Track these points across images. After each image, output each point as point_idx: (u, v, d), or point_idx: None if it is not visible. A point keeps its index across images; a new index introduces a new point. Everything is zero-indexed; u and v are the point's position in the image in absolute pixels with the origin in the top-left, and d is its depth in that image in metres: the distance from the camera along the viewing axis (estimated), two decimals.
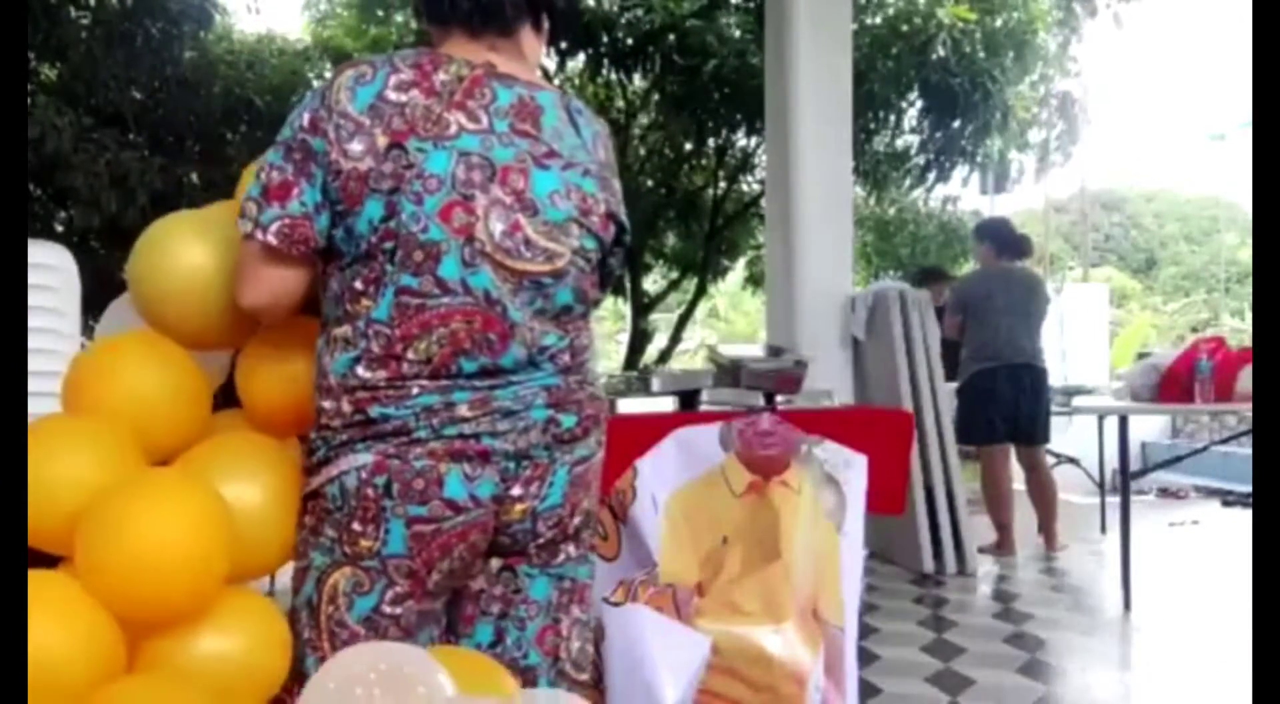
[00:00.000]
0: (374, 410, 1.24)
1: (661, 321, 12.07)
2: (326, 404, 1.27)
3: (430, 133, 1.24)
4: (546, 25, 1.42)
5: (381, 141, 1.23)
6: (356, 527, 1.25)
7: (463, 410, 1.25)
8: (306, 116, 1.26)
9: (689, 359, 13.23)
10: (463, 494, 1.26)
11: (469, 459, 1.25)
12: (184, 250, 1.38)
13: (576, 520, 1.39)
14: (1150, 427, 7.70)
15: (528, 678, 1.38)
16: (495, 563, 1.36)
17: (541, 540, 1.35)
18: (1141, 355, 7.70)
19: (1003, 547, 4.88)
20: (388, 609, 1.27)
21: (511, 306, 1.27)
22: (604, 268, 1.44)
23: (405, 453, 1.24)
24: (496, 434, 1.27)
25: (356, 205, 1.23)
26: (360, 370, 1.25)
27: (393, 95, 1.25)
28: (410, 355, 1.24)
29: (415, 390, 1.24)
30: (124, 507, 1.20)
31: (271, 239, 1.23)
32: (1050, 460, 5.61)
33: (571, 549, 1.40)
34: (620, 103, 8.23)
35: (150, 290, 1.40)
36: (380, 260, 1.24)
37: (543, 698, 1.20)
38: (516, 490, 1.30)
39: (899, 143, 8.10)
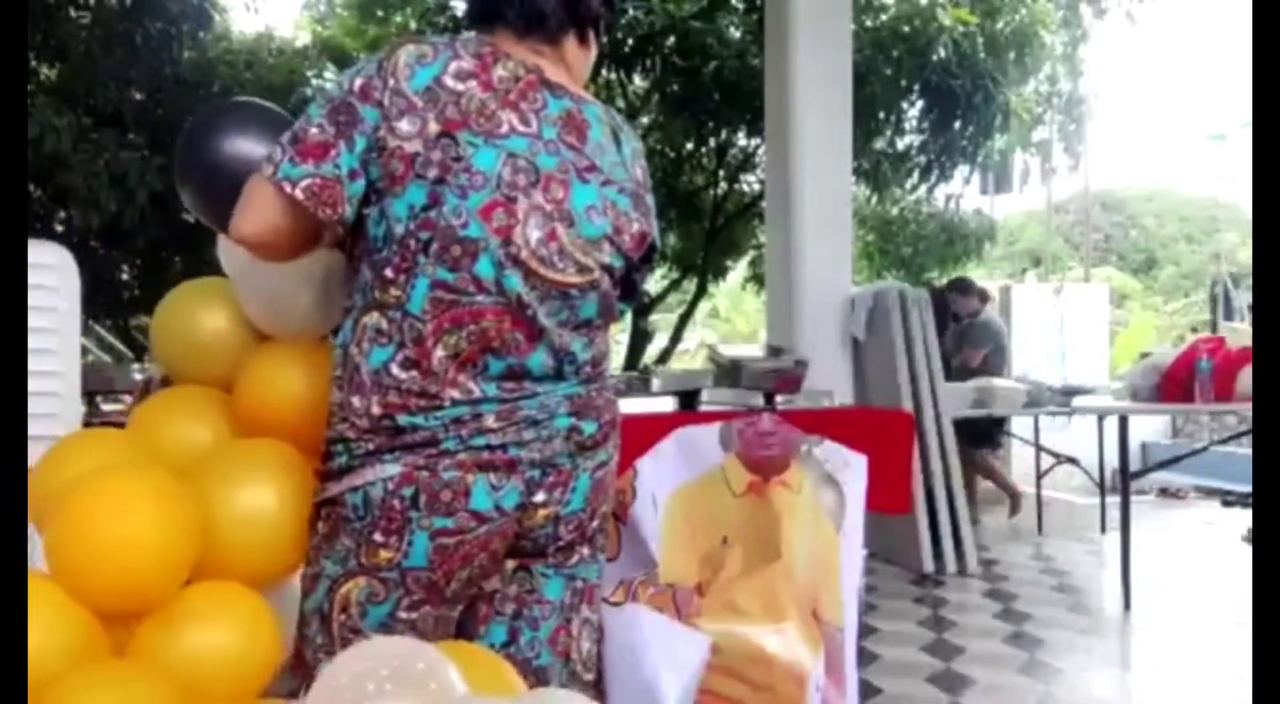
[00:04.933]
0: (403, 419, 1.22)
1: (661, 321, 12.06)
2: (355, 400, 1.24)
3: (483, 128, 1.24)
4: (592, 40, 1.43)
5: (433, 128, 1.22)
6: (378, 538, 1.23)
7: (490, 421, 1.25)
8: (359, 81, 1.24)
9: (689, 359, 13.22)
10: (488, 505, 1.25)
11: (495, 469, 1.25)
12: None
13: (595, 523, 1.39)
14: (1150, 427, 7.71)
15: (540, 678, 1.37)
16: (510, 563, 1.35)
17: (561, 543, 1.36)
18: (1144, 355, 7.71)
19: None
20: (404, 615, 1.26)
21: (540, 313, 1.27)
22: (628, 282, 1.44)
23: (434, 464, 1.22)
24: (522, 444, 1.26)
25: (397, 187, 1.22)
26: (395, 369, 1.23)
27: (450, 82, 1.24)
28: (440, 351, 1.23)
29: (447, 403, 1.23)
30: (87, 499, 1.21)
31: (299, 195, 1.20)
32: (1049, 460, 5.62)
33: (585, 550, 1.40)
34: (621, 103, 8.23)
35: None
36: (414, 249, 1.22)
37: (552, 697, 1.19)
38: (540, 497, 1.30)
39: (900, 143, 8.10)
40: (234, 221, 1.27)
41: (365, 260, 1.27)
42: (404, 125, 1.21)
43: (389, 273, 1.24)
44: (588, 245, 1.31)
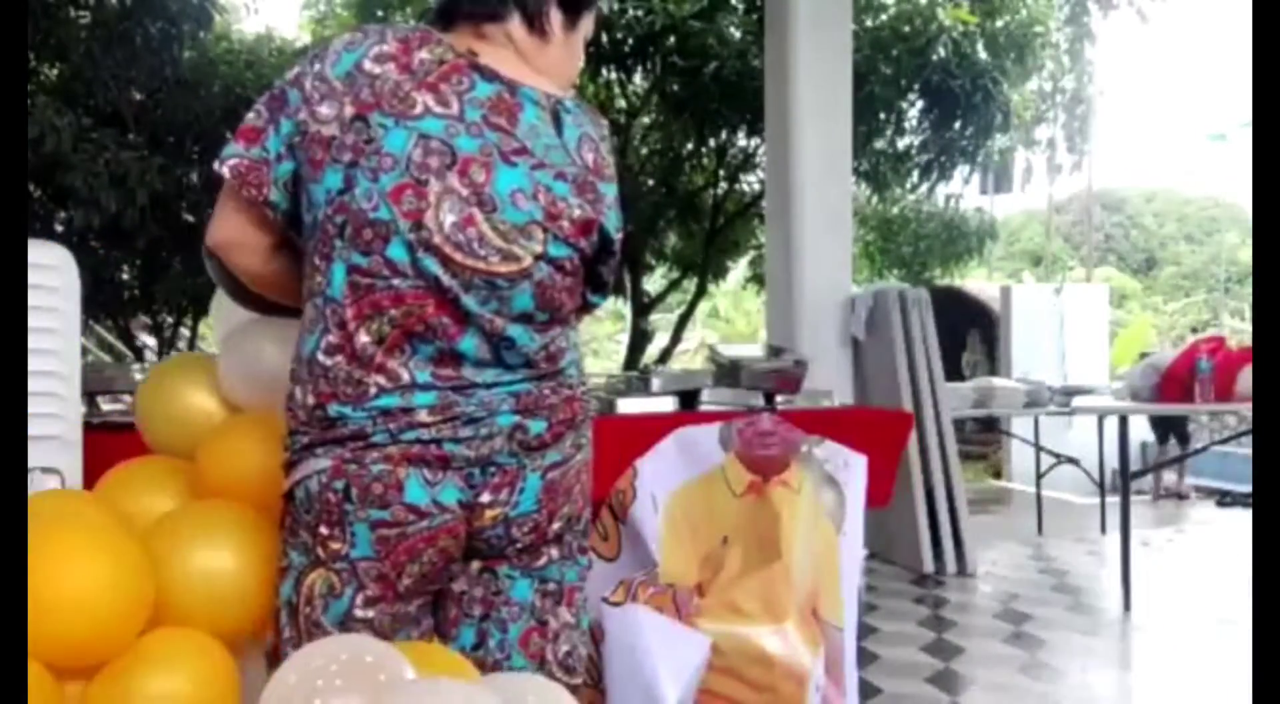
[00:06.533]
0: (332, 408, 1.22)
1: (661, 321, 12.06)
2: (296, 391, 1.26)
3: (394, 109, 1.22)
4: (550, 30, 1.36)
5: (348, 111, 1.22)
6: (324, 530, 1.24)
7: (422, 415, 1.23)
8: (295, 70, 1.27)
9: (689, 359, 13.21)
10: (424, 499, 1.24)
11: (428, 464, 1.23)
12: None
13: (556, 525, 1.35)
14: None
15: None
16: (476, 565, 1.34)
17: (519, 545, 1.33)
18: (1143, 355, 7.70)
19: None
20: (359, 613, 1.25)
21: (465, 299, 1.24)
22: (594, 275, 1.41)
23: (361, 457, 1.22)
24: (458, 440, 1.24)
25: (317, 172, 1.23)
26: (321, 357, 1.24)
27: (369, 65, 1.24)
28: (363, 336, 1.22)
29: (373, 390, 1.22)
30: (34, 550, 1.20)
31: (225, 172, 1.24)
32: (1049, 460, 5.62)
33: (554, 552, 1.37)
34: (620, 103, 8.23)
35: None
36: (330, 234, 1.23)
37: (509, 680, 1.19)
38: (486, 497, 1.27)
39: (900, 143, 8.10)
40: (207, 231, 1.31)
41: (306, 249, 1.28)
42: (323, 109, 1.23)
43: (316, 259, 1.25)
44: (513, 231, 1.26)
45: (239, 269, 1.35)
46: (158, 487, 1.53)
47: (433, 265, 1.22)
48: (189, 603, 1.34)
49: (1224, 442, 6.40)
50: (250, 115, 1.27)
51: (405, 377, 1.23)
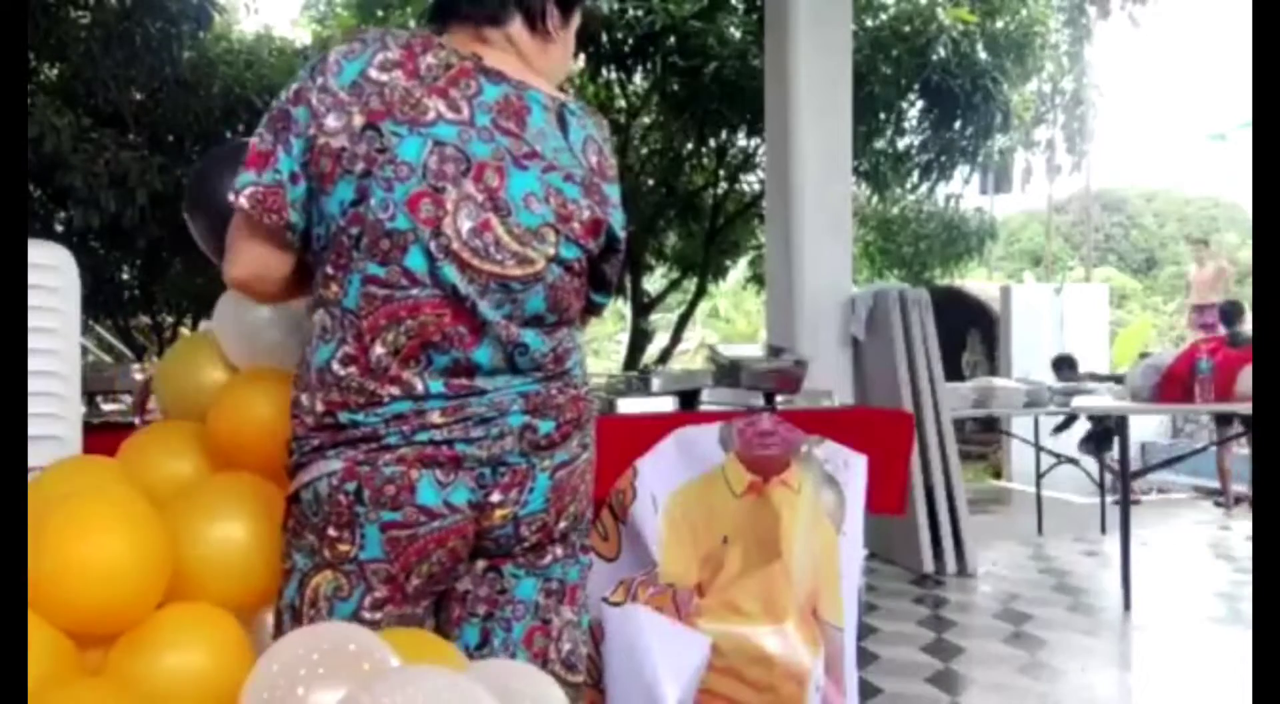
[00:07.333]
0: (343, 415, 1.22)
1: (661, 321, 12.06)
2: (304, 398, 1.26)
3: (407, 117, 1.22)
4: (550, 30, 1.37)
5: (358, 121, 1.21)
6: (332, 532, 1.24)
7: (434, 417, 1.23)
8: (295, 87, 1.26)
9: (689, 359, 13.21)
10: (436, 500, 1.24)
11: (440, 465, 1.24)
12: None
13: (562, 524, 1.36)
14: (1150, 426, 7.72)
15: None
16: (481, 564, 1.34)
17: (526, 544, 1.34)
18: (1143, 355, 7.71)
19: None
20: (367, 615, 1.25)
21: (481, 305, 1.25)
22: (598, 274, 1.41)
23: (374, 459, 1.22)
24: (470, 440, 1.25)
25: (328, 185, 1.22)
26: (335, 366, 1.23)
27: (375, 74, 1.23)
28: (379, 348, 1.22)
29: (386, 399, 1.22)
30: (58, 522, 1.21)
31: (244, 202, 1.23)
32: (1049, 460, 5.62)
33: (559, 551, 1.37)
34: (621, 103, 8.23)
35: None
36: (346, 245, 1.22)
37: (495, 667, 1.18)
38: (496, 497, 1.28)
39: (900, 143, 8.11)
40: (225, 266, 1.31)
41: (314, 259, 1.28)
42: (330, 121, 1.21)
43: (330, 269, 1.24)
44: (527, 234, 1.27)
45: (258, 298, 1.37)
46: (176, 450, 1.56)
47: (451, 273, 1.22)
48: (199, 575, 1.35)
49: (1223, 441, 6.40)
50: (254, 140, 1.25)
51: (419, 387, 1.24)
